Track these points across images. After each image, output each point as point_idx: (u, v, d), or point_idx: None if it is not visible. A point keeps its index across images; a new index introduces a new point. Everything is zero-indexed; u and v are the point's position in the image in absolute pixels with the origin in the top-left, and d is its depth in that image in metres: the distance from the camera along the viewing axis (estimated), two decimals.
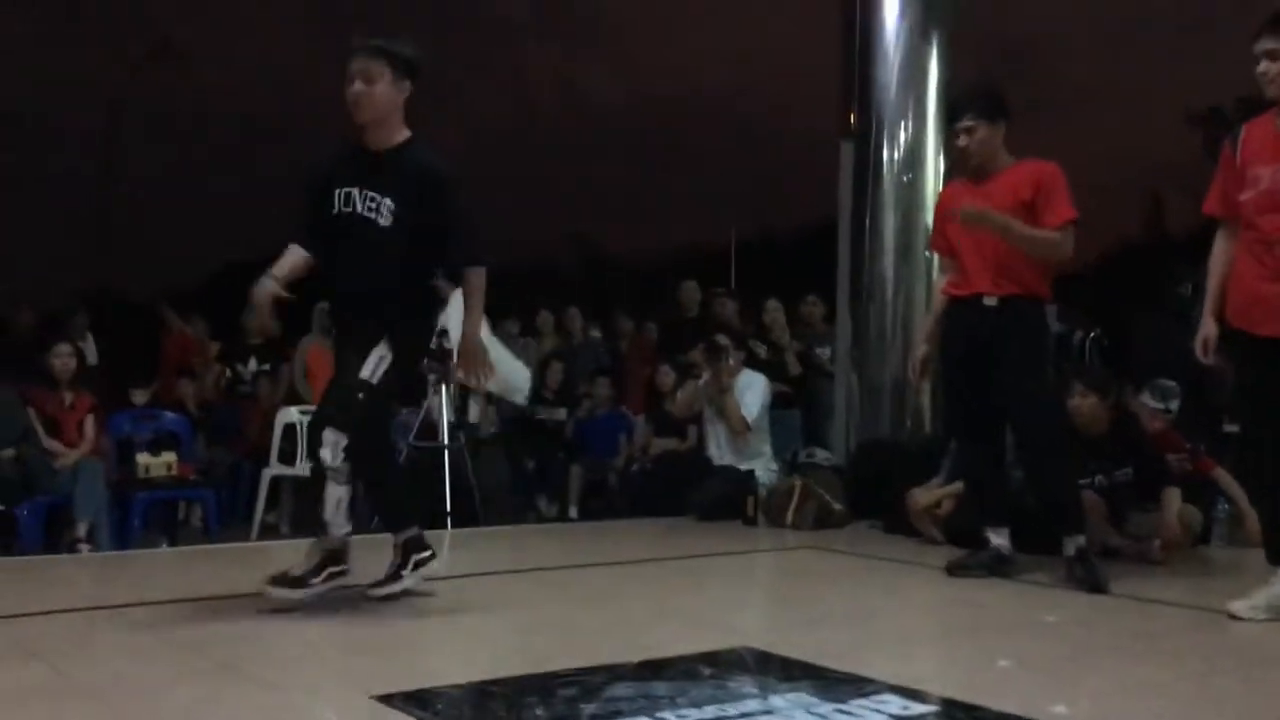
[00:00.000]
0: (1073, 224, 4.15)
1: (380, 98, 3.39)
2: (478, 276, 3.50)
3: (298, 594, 3.37)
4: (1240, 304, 3.53)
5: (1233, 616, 3.43)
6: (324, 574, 3.39)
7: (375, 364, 3.36)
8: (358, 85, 3.38)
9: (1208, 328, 3.66)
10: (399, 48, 3.44)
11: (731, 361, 6.40)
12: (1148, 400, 5.09)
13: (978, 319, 4.19)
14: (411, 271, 3.45)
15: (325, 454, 3.31)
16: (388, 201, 3.38)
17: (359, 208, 3.39)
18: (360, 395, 3.34)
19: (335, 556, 3.42)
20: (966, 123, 4.22)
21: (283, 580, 3.38)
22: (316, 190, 3.51)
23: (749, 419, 6.32)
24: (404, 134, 3.48)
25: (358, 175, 3.42)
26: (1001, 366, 4.15)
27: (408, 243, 3.39)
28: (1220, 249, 3.68)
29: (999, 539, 4.27)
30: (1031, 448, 4.23)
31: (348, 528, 3.43)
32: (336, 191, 3.43)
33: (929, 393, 6.54)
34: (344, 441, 3.31)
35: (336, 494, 3.36)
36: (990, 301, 4.17)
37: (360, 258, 3.41)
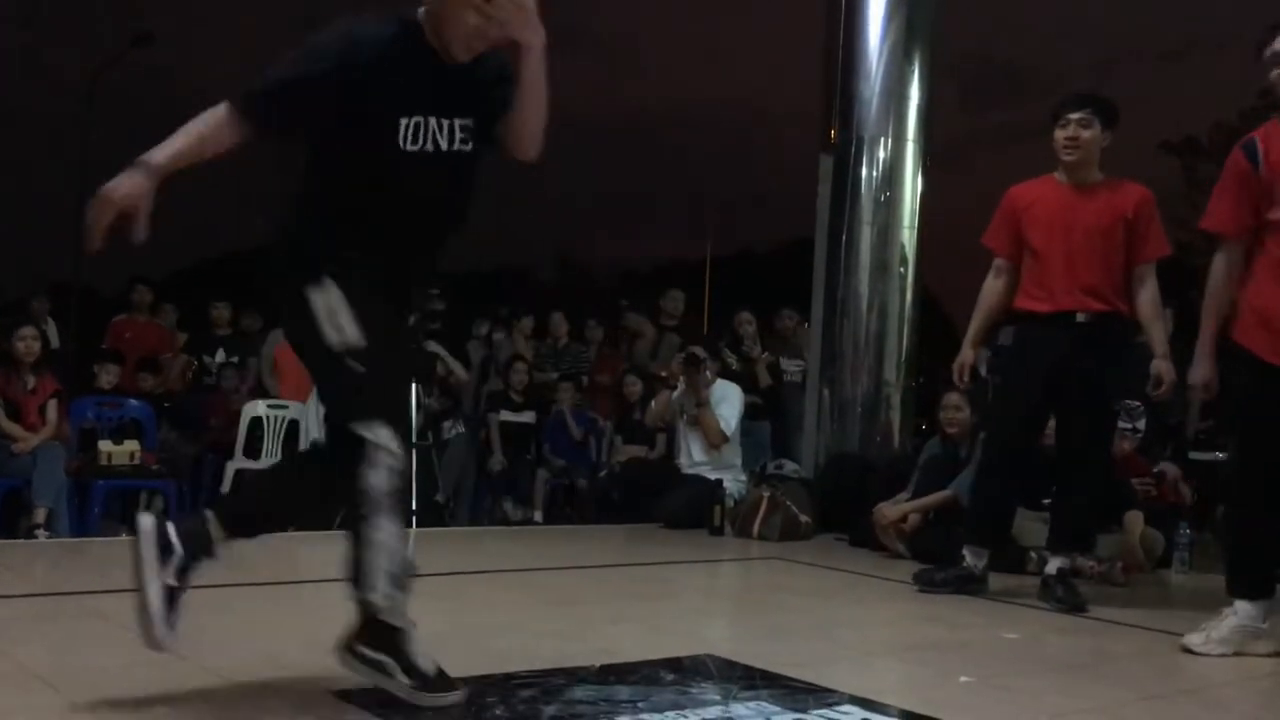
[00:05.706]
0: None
1: None
2: None
3: None
4: (1266, 329, 3.15)
5: (1187, 650, 3.32)
6: None
7: None
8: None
9: (1206, 370, 3.31)
10: None
11: (708, 373, 6.40)
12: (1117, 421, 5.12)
13: (1068, 337, 3.96)
14: None
15: None
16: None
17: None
18: None
19: None
20: (1084, 115, 4.01)
21: None
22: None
23: (726, 431, 6.32)
24: None
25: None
26: (1084, 385, 3.96)
27: None
28: (1223, 273, 3.25)
29: (976, 560, 4.19)
30: (1078, 465, 4.07)
31: None
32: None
33: (899, 408, 6.58)
34: None
35: None
36: (1082, 318, 3.96)
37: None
